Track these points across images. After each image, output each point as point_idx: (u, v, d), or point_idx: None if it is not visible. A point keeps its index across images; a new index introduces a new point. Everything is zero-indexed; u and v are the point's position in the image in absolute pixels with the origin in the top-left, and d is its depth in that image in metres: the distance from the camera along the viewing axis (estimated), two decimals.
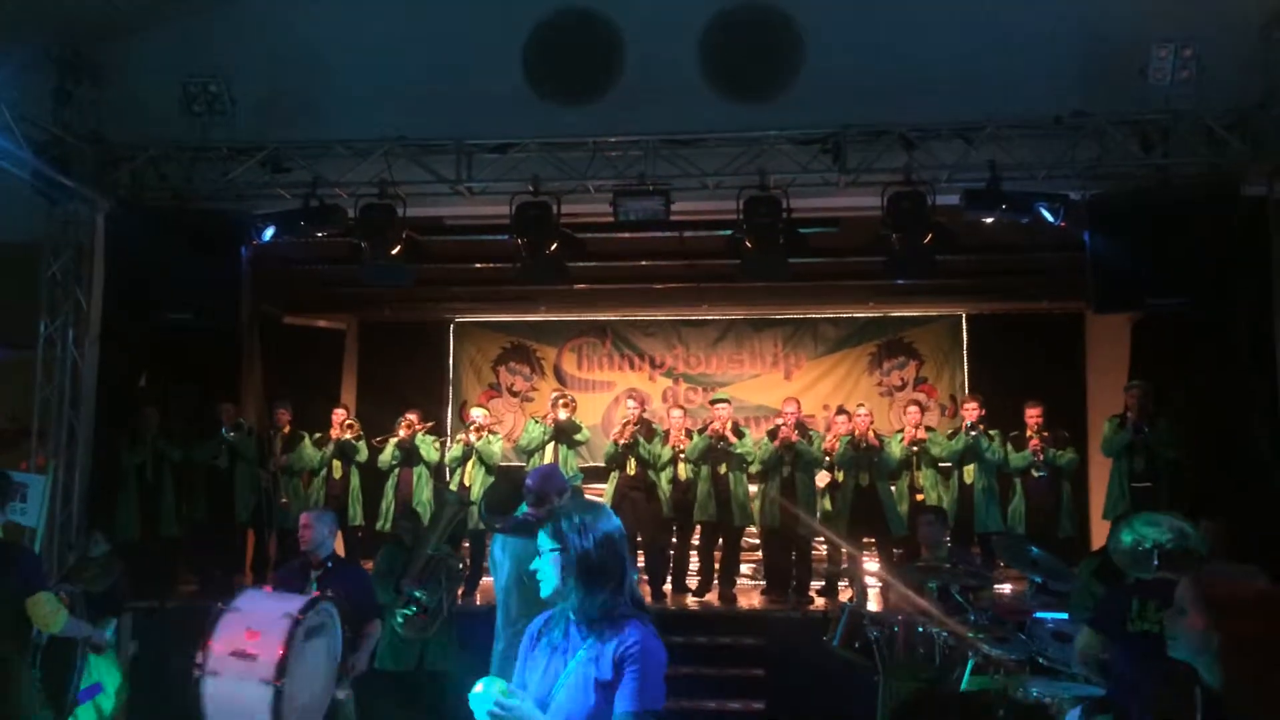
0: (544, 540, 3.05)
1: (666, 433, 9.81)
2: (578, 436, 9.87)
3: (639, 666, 2.88)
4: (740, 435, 9.59)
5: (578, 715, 2.86)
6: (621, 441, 9.64)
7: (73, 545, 7.84)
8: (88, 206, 8.38)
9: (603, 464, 10.01)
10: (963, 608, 6.06)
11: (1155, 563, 4.31)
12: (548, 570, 3.02)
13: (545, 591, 3.03)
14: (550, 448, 9.73)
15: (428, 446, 10.11)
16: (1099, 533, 9.63)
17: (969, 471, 9.54)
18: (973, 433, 9.49)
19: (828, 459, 9.61)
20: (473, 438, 9.77)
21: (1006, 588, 8.87)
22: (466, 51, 8.41)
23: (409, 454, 10.05)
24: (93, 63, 8.30)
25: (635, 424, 9.70)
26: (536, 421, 9.99)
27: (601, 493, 9.89)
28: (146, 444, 9.36)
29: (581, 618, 2.95)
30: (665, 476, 9.67)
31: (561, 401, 9.89)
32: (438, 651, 6.39)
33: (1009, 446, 9.59)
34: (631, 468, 9.53)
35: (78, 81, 8.19)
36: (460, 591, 7.41)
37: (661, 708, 2.91)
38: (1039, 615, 6.01)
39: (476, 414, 10.17)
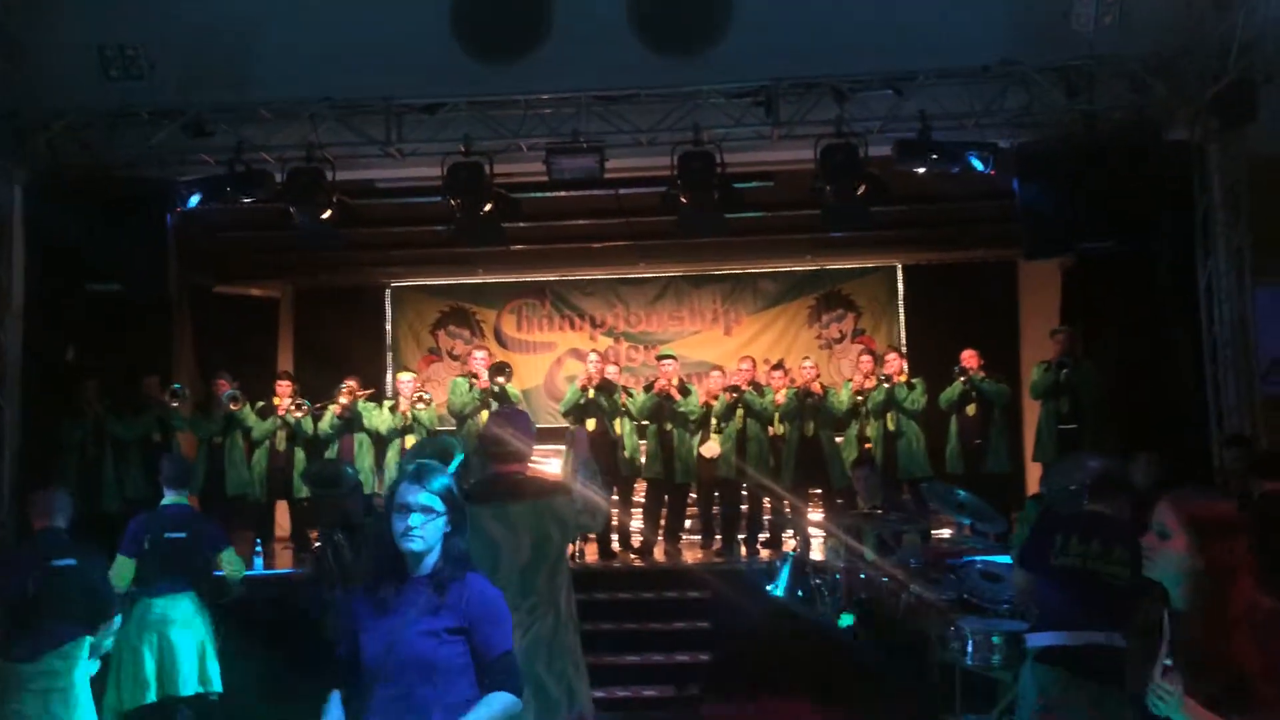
0: (432, 500, 3.05)
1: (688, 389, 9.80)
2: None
3: (497, 610, 3.04)
4: (686, 393, 9.64)
5: (433, 661, 2.94)
6: (589, 388, 9.52)
7: (3, 522, 7.69)
8: (3, 178, 8.12)
9: (561, 415, 9.94)
10: (895, 552, 6.20)
11: (1084, 500, 4.43)
12: (432, 531, 3.03)
13: (421, 553, 3.05)
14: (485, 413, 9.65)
15: (371, 414, 9.97)
16: (1034, 474, 9.85)
17: (890, 419, 9.66)
18: (885, 384, 9.62)
19: (775, 410, 9.70)
20: (419, 409, 9.66)
21: (946, 532, 9.07)
22: (393, 10, 8.22)
23: (348, 422, 9.94)
24: (5, 31, 8.00)
25: (598, 376, 9.61)
26: (464, 380, 9.85)
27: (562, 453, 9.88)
28: (88, 419, 9.20)
29: (443, 575, 3.01)
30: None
31: (496, 370, 9.72)
32: None
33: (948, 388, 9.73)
34: (591, 423, 9.44)
35: None
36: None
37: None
38: (968, 558, 6.16)
39: (405, 380, 10.03)
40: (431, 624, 2.95)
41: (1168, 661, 2.58)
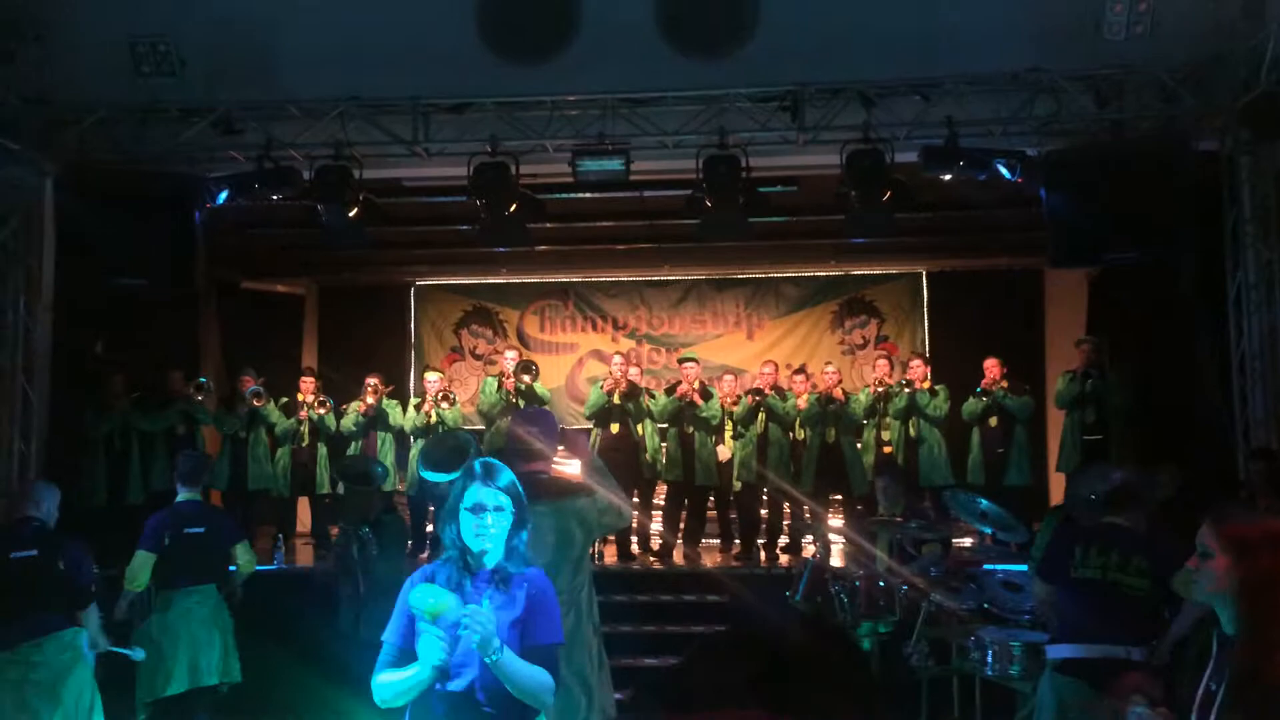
0: (503, 499, 3.09)
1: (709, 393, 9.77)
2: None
3: (551, 603, 3.10)
4: (707, 397, 9.63)
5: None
6: (615, 393, 9.51)
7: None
8: (35, 171, 8.21)
9: (585, 417, 9.93)
10: (915, 560, 6.17)
11: (1105, 510, 4.40)
12: (500, 529, 3.08)
13: (497, 550, 3.08)
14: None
15: (395, 412, 10.02)
16: (1057, 485, 9.78)
17: (912, 425, 9.64)
18: (906, 390, 9.59)
19: (797, 416, 9.69)
20: (443, 408, 9.68)
21: (966, 541, 9.02)
22: (421, 10, 8.26)
23: (373, 420, 10.00)
24: (36, 21, 8.08)
25: (624, 382, 9.59)
26: (494, 380, 9.90)
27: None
28: (116, 412, 9.32)
29: (507, 571, 3.06)
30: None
31: (523, 369, 9.77)
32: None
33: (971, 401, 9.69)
34: (615, 426, 9.48)
35: (21, 41, 7.98)
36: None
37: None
38: (988, 566, 6.14)
39: (432, 379, 10.06)
40: (501, 618, 2.98)
41: (1213, 685, 2.56)
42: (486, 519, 3.05)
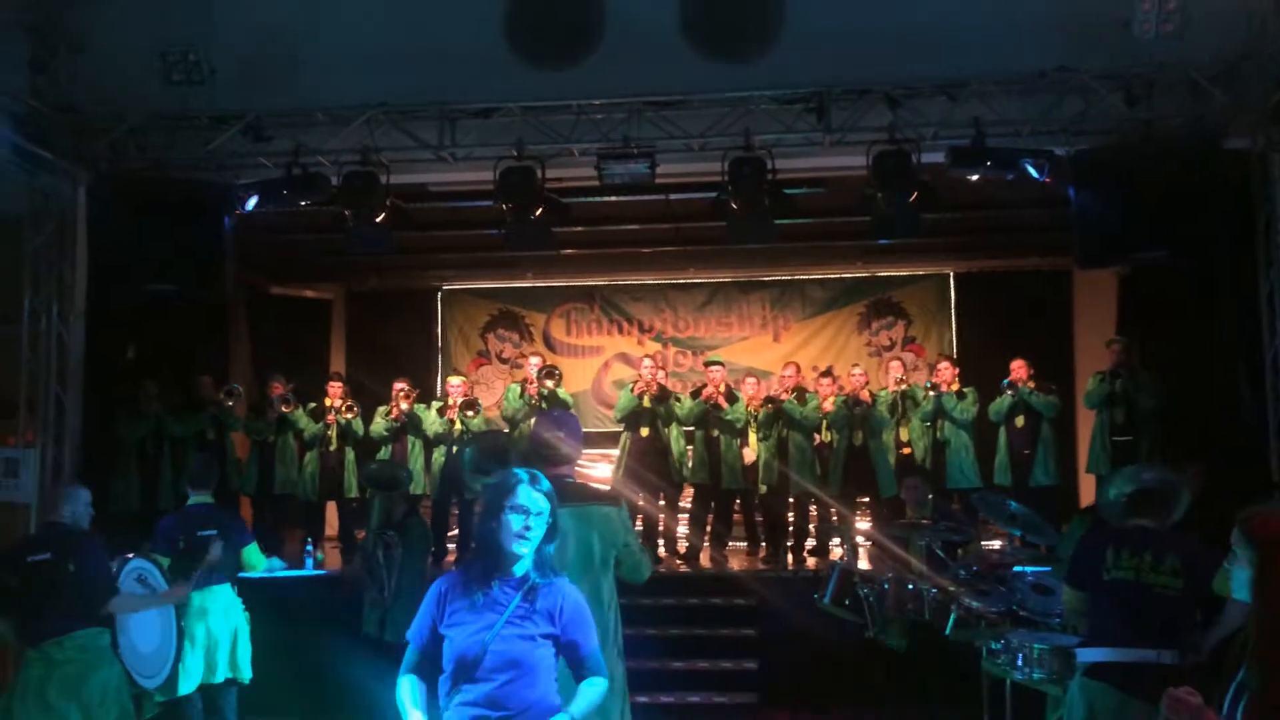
0: (543, 504, 3.16)
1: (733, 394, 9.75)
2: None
3: (586, 615, 3.17)
4: (733, 400, 9.60)
5: (526, 662, 3.04)
6: (646, 396, 9.48)
7: None
8: (68, 179, 8.31)
9: (616, 420, 9.95)
10: (945, 564, 6.14)
11: (1135, 512, 4.37)
12: (538, 534, 3.14)
13: (528, 557, 3.12)
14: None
15: (428, 416, 10.02)
16: (1086, 486, 9.70)
17: (940, 428, 9.61)
18: (932, 392, 9.55)
19: (823, 418, 9.65)
20: (467, 415, 9.68)
21: (995, 543, 8.97)
22: (447, 15, 8.29)
23: (404, 425, 10.02)
24: (68, 31, 8.18)
25: (654, 385, 9.58)
26: (518, 386, 9.93)
27: (611, 457, 9.95)
28: (149, 418, 9.44)
29: (534, 579, 3.12)
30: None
31: (545, 374, 9.79)
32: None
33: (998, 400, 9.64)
34: (645, 430, 9.47)
35: (53, 51, 8.08)
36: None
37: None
38: (1018, 569, 6.10)
39: (455, 384, 10.05)
40: (526, 627, 3.06)
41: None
42: (530, 522, 3.11)
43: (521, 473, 3.20)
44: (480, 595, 3.08)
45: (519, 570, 3.13)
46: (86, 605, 5.30)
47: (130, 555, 6.03)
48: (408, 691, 3.15)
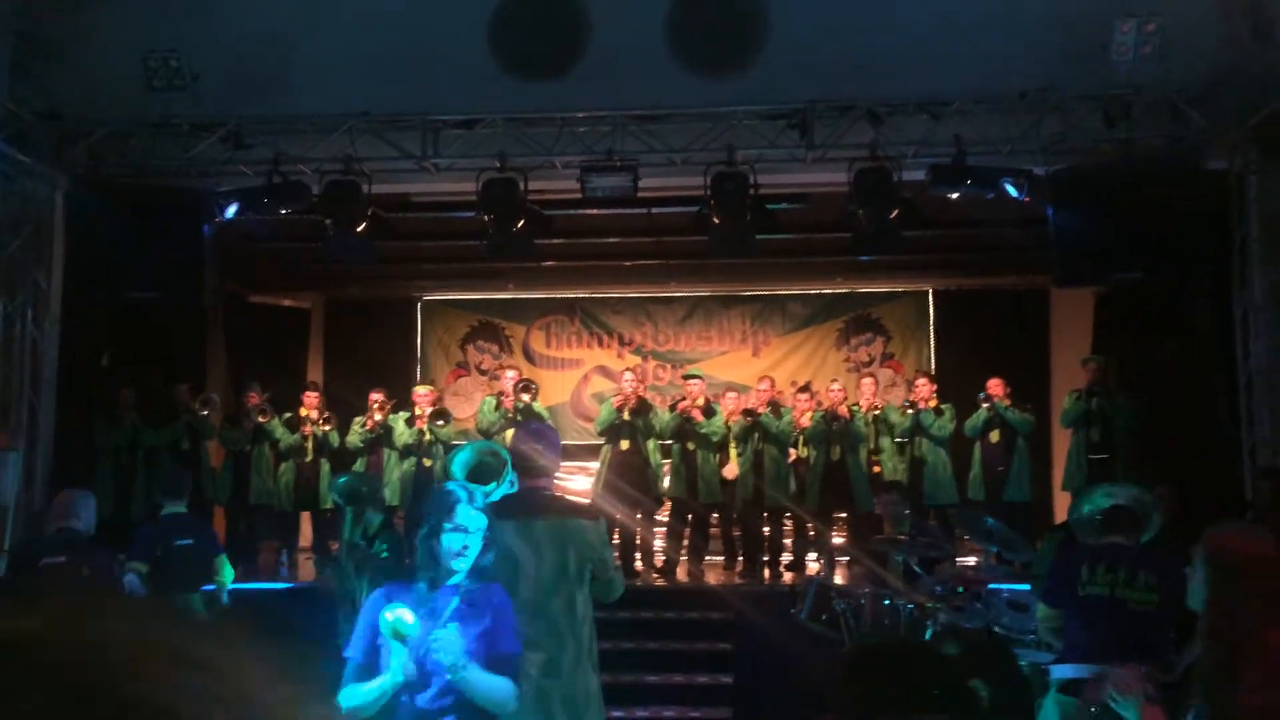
0: (481, 521, 3.21)
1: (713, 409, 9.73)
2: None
3: (510, 615, 3.26)
4: (710, 414, 9.59)
5: (469, 664, 3.08)
6: (626, 408, 9.41)
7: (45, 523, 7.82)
8: (46, 184, 8.25)
9: (596, 433, 9.91)
10: (922, 579, 6.15)
11: (1108, 530, 4.40)
12: (476, 550, 3.19)
13: (463, 572, 3.19)
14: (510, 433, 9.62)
15: (399, 426, 9.97)
16: (1061, 503, 9.75)
17: (917, 445, 9.65)
18: (910, 410, 9.59)
19: (799, 433, 9.66)
20: (437, 425, 9.64)
21: (971, 559, 8.99)
22: (431, 26, 8.31)
23: (379, 437, 9.97)
24: (50, 37, 8.15)
25: (634, 398, 9.51)
26: (494, 398, 9.87)
27: (590, 470, 9.92)
28: (126, 426, 9.36)
29: (470, 586, 3.18)
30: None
31: (522, 388, 9.73)
32: None
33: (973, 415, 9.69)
34: (625, 443, 9.44)
35: (35, 56, 8.04)
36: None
37: None
38: (994, 585, 6.11)
39: (421, 393, 9.96)
40: (464, 632, 3.09)
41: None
42: (469, 540, 3.17)
43: (459, 490, 3.26)
44: (419, 605, 3.10)
45: (455, 579, 3.19)
46: None
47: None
48: (359, 688, 3.09)
